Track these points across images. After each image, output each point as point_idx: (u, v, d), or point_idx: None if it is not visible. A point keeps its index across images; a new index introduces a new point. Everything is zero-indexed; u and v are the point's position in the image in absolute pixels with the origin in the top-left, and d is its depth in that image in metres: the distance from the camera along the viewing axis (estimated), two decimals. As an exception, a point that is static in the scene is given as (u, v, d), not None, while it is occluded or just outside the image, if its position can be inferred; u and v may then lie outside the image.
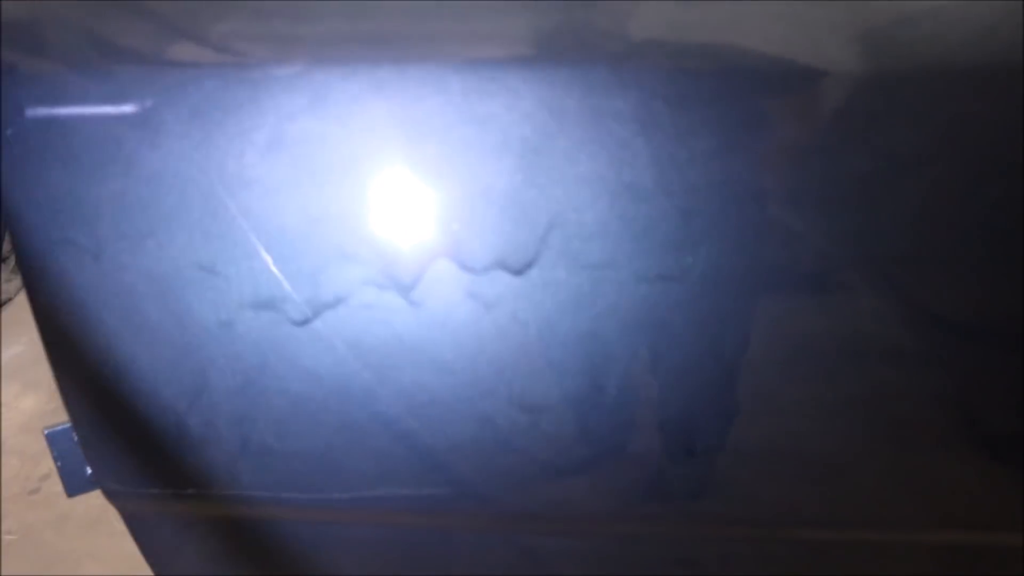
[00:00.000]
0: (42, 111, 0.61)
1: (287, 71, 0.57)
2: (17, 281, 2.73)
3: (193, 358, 0.67)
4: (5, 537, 1.94)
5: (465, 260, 0.59)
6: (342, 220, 0.60)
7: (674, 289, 0.58)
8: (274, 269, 0.62)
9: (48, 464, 2.13)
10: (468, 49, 0.56)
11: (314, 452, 0.68)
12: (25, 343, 2.68)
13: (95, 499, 2.08)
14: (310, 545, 0.76)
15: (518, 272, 0.59)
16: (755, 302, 0.59)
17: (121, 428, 0.72)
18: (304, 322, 0.63)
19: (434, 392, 0.64)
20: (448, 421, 0.65)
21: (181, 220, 0.62)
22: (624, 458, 0.65)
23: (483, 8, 0.56)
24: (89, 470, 0.81)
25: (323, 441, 0.68)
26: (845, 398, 0.61)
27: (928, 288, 0.58)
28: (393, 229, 0.60)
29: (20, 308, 2.77)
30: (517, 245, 0.58)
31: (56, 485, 2.07)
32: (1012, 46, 0.51)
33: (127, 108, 0.60)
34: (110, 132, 0.60)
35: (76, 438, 0.80)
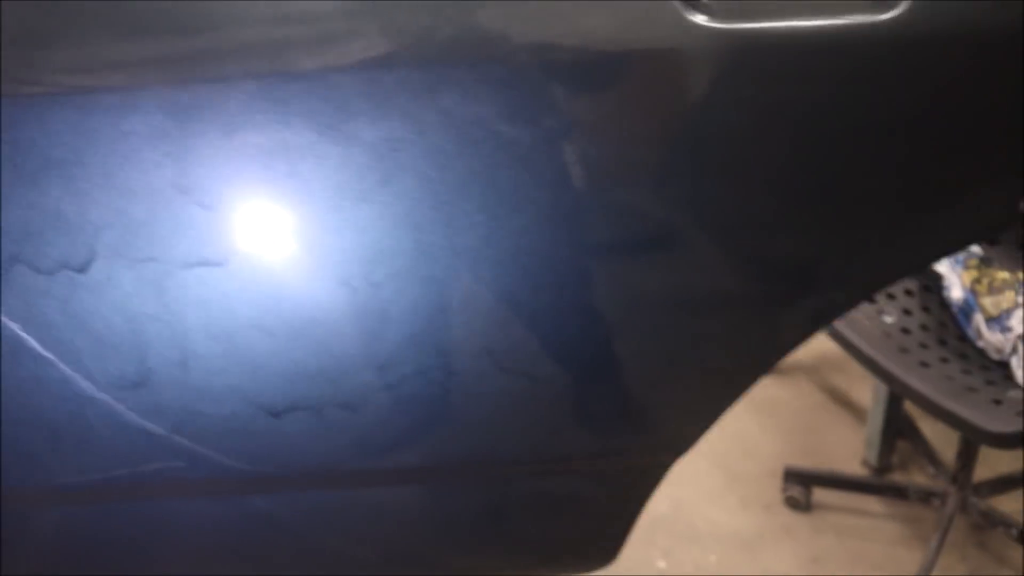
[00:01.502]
0: None
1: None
2: None
3: None
4: None
5: (36, 263, 0.69)
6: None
7: (213, 273, 0.69)
8: None
9: None
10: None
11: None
12: None
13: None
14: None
15: (81, 270, 0.69)
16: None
17: None
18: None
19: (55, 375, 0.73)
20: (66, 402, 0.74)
21: None
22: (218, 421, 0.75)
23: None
24: None
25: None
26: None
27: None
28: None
29: None
30: (76, 246, 0.69)
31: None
32: None
33: None
34: None
35: None
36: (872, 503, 1.98)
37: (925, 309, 1.82)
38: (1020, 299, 1.62)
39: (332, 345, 0.71)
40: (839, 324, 1.77)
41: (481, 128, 0.62)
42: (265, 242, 0.69)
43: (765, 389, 2.41)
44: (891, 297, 1.85)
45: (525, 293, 0.68)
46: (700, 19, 0.61)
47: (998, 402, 1.50)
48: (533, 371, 0.71)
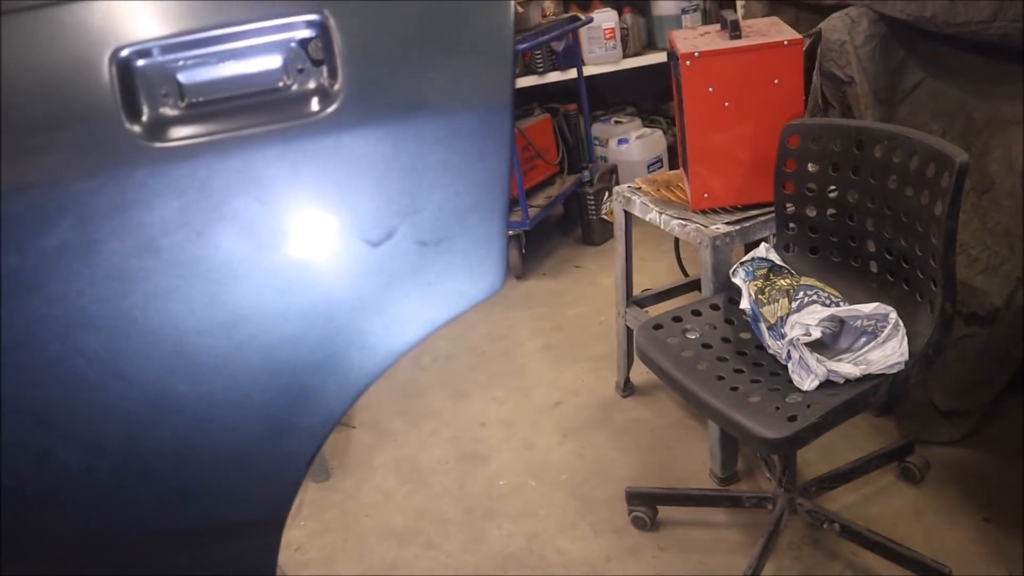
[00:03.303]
0: None
1: None
2: None
3: None
4: None
5: None
6: None
7: None
8: None
9: None
10: None
11: None
12: None
13: None
14: None
15: None
16: None
17: None
18: None
19: None
20: None
21: None
22: None
23: None
24: None
25: None
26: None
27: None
28: None
29: None
30: None
31: None
32: None
33: None
34: None
35: None
36: (716, 514, 2.03)
37: (729, 322, 1.89)
38: (793, 305, 1.68)
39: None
40: (646, 347, 1.83)
41: None
42: None
43: (626, 412, 2.47)
44: (696, 314, 1.92)
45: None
46: (143, 138, 0.68)
47: (777, 408, 1.56)
48: (102, 464, 0.77)
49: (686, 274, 2.70)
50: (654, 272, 3.11)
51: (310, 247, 0.73)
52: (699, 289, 2.55)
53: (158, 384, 0.76)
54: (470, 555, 2.02)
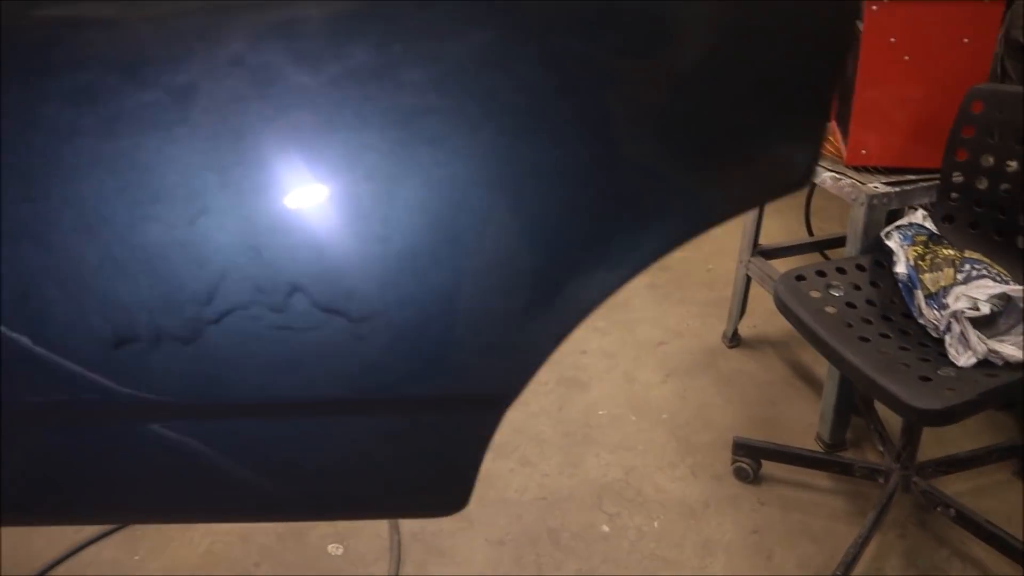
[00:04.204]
0: None
1: None
2: None
3: None
4: None
5: None
6: None
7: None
8: None
9: None
10: None
11: None
12: None
13: None
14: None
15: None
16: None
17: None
18: None
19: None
20: None
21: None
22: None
23: None
24: None
25: None
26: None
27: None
28: None
29: None
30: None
31: None
32: None
33: None
34: None
35: None
36: (820, 478, 1.99)
37: (874, 284, 1.81)
38: (959, 277, 1.60)
39: (156, 277, 0.74)
40: (786, 296, 1.77)
41: (271, 72, 0.65)
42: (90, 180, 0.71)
43: (731, 362, 2.42)
44: (841, 272, 1.84)
45: (336, 228, 0.71)
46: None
47: (927, 379, 1.50)
48: (350, 309, 0.73)
49: (811, 233, 2.61)
50: (766, 229, 3.01)
51: (635, 104, 0.66)
52: (821, 251, 2.47)
53: (430, 235, 0.71)
54: (566, 478, 2.01)
